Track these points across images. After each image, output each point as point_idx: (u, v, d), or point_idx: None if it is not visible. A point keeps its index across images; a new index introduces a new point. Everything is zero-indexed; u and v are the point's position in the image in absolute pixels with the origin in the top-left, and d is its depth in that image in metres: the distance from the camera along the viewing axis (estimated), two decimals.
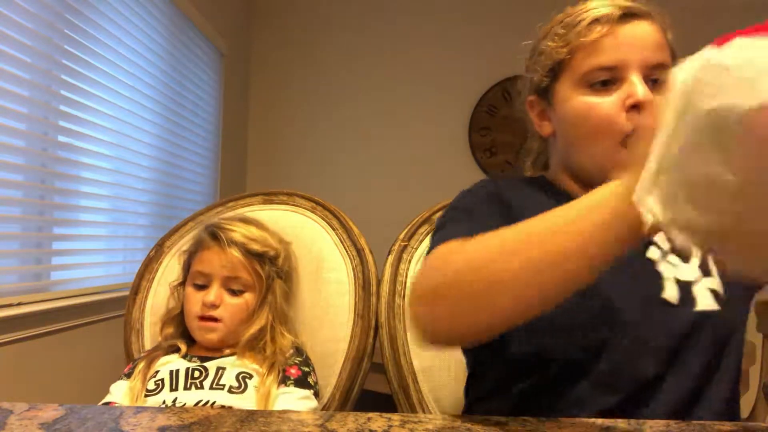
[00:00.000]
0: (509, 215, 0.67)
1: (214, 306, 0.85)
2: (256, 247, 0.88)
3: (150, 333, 1.00)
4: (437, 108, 2.96)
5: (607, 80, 0.64)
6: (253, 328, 0.86)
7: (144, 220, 2.00)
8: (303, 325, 0.98)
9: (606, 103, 0.64)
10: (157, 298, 1.02)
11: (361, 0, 3.04)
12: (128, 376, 0.85)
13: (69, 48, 1.50)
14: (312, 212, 1.06)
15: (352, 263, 1.00)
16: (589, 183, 0.65)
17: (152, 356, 0.86)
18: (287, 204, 1.08)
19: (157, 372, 0.83)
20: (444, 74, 2.95)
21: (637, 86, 0.62)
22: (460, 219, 0.69)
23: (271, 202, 1.08)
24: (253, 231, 0.90)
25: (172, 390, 0.80)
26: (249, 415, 0.41)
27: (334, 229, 1.03)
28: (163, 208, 2.13)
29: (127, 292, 1.04)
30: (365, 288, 0.97)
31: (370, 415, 0.41)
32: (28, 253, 1.43)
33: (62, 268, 1.56)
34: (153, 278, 1.04)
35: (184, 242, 1.04)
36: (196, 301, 0.86)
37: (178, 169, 2.25)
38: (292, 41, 3.07)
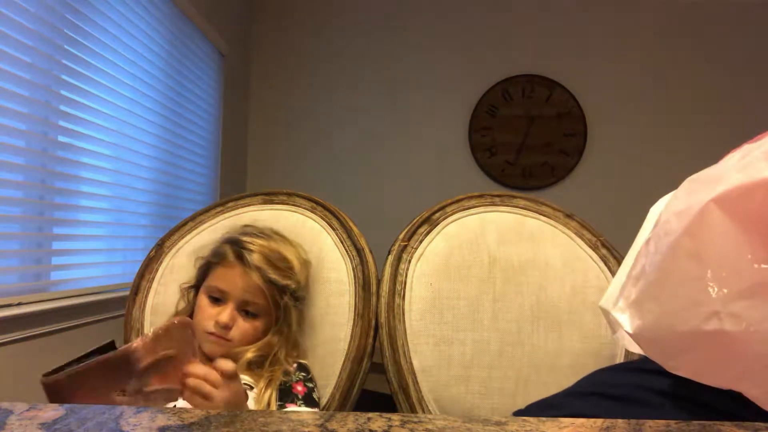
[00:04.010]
0: None
1: (228, 327, 0.85)
2: (278, 277, 0.87)
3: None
4: (437, 108, 2.96)
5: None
6: (252, 353, 0.85)
7: (144, 220, 2.00)
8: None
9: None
10: (158, 298, 1.02)
11: (361, 1, 3.04)
12: None
13: (69, 48, 1.50)
14: (312, 212, 1.05)
15: (352, 263, 0.99)
16: None
17: None
18: (287, 204, 1.07)
19: None
20: (444, 74, 2.95)
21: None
22: None
23: (271, 202, 1.08)
24: (278, 256, 0.88)
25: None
26: (249, 416, 0.41)
27: (334, 229, 1.03)
28: (163, 208, 2.12)
29: (127, 292, 1.04)
30: (365, 288, 0.97)
31: (370, 415, 0.41)
32: (28, 253, 1.43)
33: (62, 268, 1.56)
34: (153, 278, 1.03)
35: (197, 244, 0.99)
36: (209, 315, 0.86)
37: (178, 169, 2.25)
38: (292, 42, 3.07)
